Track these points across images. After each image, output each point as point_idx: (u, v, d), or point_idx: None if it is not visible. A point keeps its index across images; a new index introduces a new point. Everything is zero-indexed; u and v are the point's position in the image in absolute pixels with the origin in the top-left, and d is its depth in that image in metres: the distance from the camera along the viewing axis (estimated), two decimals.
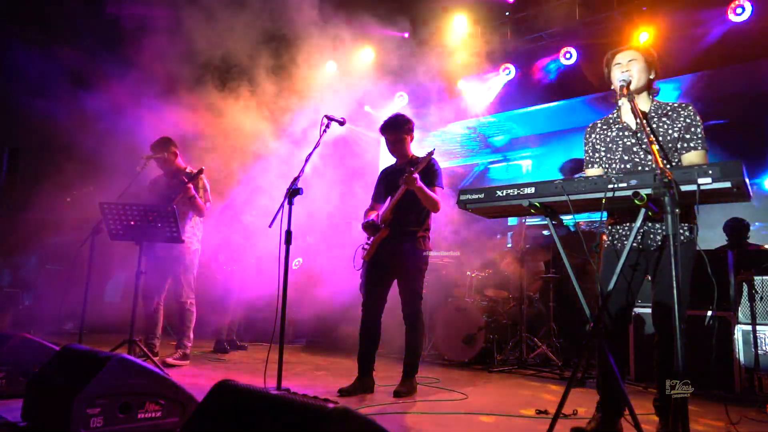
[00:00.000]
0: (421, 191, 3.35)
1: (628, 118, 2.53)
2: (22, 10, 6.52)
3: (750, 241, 5.02)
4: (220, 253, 5.56)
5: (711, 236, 4.99)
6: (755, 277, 3.84)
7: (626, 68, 2.46)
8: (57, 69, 6.29)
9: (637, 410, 2.01)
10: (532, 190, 2.14)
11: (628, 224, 2.46)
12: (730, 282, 3.86)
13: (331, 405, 1.24)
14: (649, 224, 2.38)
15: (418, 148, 3.84)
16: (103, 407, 1.95)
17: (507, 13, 7.34)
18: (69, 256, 4.05)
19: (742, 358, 3.72)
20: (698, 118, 2.40)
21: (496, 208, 2.30)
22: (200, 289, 4.85)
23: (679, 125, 2.39)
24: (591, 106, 6.88)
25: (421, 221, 3.57)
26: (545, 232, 5.97)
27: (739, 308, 3.86)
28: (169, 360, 4.38)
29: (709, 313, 3.80)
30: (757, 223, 5.39)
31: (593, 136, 2.65)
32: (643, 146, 2.42)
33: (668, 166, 2.31)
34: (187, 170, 4.68)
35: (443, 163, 4.69)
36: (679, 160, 2.38)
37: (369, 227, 3.60)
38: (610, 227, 2.55)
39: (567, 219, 2.85)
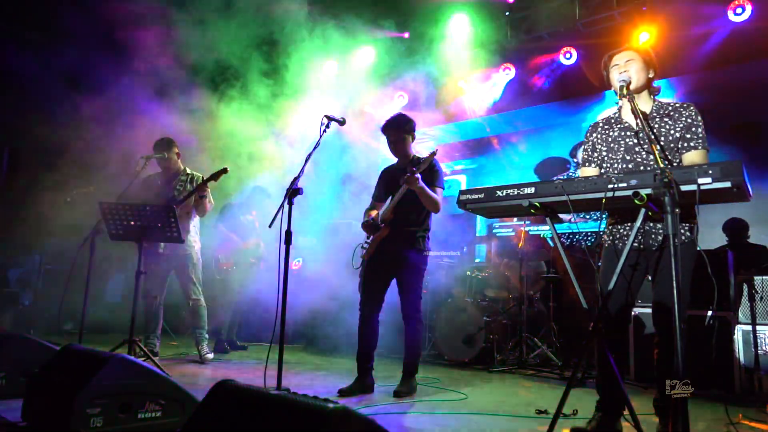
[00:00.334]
0: (423, 191, 3.35)
1: (629, 118, 2.53)
2: (21, 12, 6.52)
3: (750, 240, 5.02)
4: (220, 253, 5.56)
5: (711, 236, 4.99)
6: (755, 277, 3.84)
7: (624, 69, 2.46)
8: (56, 69, 6.29)
9: (637, 410, 2.02)
10: (532, 190, 2.14)
11: (628, 224, 2.46)
12: (730, 282, 3.85)
13: (331, 405, 1.24)
14: (650, 224, 2.38)
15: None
16: (103, 407, 1.95)
17: (507, 13, 7.34)
18: (69, 256, 4.04)
19: (742, 358, 3.72)
20: (699, 118, 2.40)
21: (495, 208, 2.30)
22: None
23: (681, 125, 2.39)
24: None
25: (421, 221, 3.57)
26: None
27: (739, 308, 3.86)
28: (209, 356, 4.66)
29: (709, 313, 3.80)
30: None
31: (594, 135, 2.65)
32: (645, 146, 2.42)
33: (670, 166, 2.31)
34: (187, 171, 4.70)
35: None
36: (681, 160, 2.38)
37: (369, 226, 3.60)
38: (610, 227, 2.55)
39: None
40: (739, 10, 5.71)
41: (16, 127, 6.88)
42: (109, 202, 3.67)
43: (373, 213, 3.64)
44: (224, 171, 4.32)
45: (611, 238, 2.53)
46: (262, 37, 6.05)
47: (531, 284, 5.38)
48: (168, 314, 4.79)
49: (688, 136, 2.37)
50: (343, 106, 7.03)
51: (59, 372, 2.15)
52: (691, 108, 2.43)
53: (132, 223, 3.68)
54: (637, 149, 2.46)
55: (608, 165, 2.56)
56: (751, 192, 1.87)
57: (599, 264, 2.56)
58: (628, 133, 2.50)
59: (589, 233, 6.31)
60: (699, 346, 3.75)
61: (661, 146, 2.39)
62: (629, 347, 4.13)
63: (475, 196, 2.29)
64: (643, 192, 1.87)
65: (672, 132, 2.40)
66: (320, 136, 3.23)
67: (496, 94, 7.77)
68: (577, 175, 2.40)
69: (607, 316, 2.34)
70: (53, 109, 6.19)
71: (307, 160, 3.16)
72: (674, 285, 1.74)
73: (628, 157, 2.48)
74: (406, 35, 7.92)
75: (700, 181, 1.82)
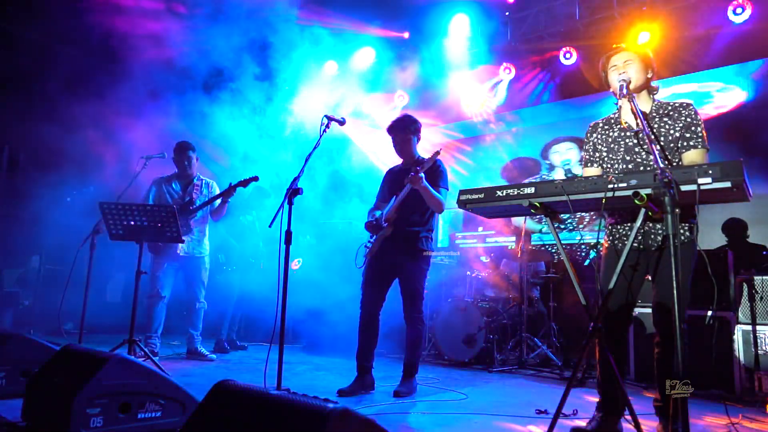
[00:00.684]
0: (426, 191, 3.36)
1: (629, 119, 2.53)
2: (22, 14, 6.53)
3: (750, 240, 5.02)
4: (219, 253, 5.56)
5: (711, 236, 4.99)
6: (755, 277, 3.84)
7: (623, 69, 2.46)
8: (56, 70, 6.30)
9: (637, 410, 2.01)
10: (532, 189, 2.14)
11: (629, 224, 2.46)
12: (730, 282, 3.85)
13: (331, 405, 1.24)
14: (650, 224, 2.37)
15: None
16: (103, 407, 1.95)
17: (507, 13, 7.34)
18: (69, 256, 4.04)
19: (742, 358, 3.72)
20: (699, 117, 2.40)
21: (496, 208, 2.30)
22: None
23: (680, 125, 2.39)
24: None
25: (424, 221, 3.58)
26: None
27: (739, 308, 3.86)
28: (212, 355, 4.76)
29: (709, 313, 3.80)
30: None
31: (594, 135, 2.65)
32: (645, 146, 2.42)
33: (670, 166, 2.31)
34: (200, 176, 4.84)
35: None
36: (680, 160, 2.38)
37: (372, 226, 3.61)
38: (610, 227, 2.55)
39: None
40: (738, 10, 5.70)
41: (15, 128, 6.88)
42: (109, 202, 3.67)
43: (377, 213, 3.65)
44: (255, 179, 4.48)
45: (611, 238, 2.53)
46: (260, 38, 6.05)
47: (530, 285, 5.39)
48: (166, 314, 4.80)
49: (688, 135, 2.37)
50: (343, 106, 7.03)
51: (59, 372, 2.15)
52: (691, 107, 2.43)
53: (132, 223, 3.69)
54: (637, 149, 2.46)
55: (608, 165, 2.56)
56: (751, 192, 1.87)
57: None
58: (628, 134, 2.50)
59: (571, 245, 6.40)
60: (699, 346, 3.74)
61: (660, 146, 2.39)
62: (629, 347, 4.13)
63: (475, 196, 2.29)
64: (643, 192, 1.87)
65: (672, 132, 2.40)
66: (320, 136, 3.23)
67: (495, 94, 7.77)
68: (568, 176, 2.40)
69: (608, 316, 2.34)
70: (53, 110, 6.19)
71: (307, 160, 3.16)
72: (674, 285, 1.74)
73: (628, 158, 2.48)
74: (406, 35, 7.91)
75: (700, 181, 1.82)
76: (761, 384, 3.62)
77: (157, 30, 5.81)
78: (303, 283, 5.59)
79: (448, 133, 8.31)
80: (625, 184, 1.94)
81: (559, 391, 2.08)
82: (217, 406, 1.51)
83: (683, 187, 1.84)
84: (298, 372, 4.27)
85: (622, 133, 2.53)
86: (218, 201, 4.62)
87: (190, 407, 2.13)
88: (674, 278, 1.74)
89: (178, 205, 4.55)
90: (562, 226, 6.58)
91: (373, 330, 3.54)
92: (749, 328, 3.77)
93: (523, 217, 6.91)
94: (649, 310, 2.52)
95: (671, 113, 2.44)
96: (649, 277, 2.44)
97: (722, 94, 5.97)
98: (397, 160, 3.83)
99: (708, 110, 5.92)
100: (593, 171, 2.61)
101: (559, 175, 7.09)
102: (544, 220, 2.11)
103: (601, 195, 1.98)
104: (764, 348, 3.70)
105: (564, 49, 6.97)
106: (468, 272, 5.78)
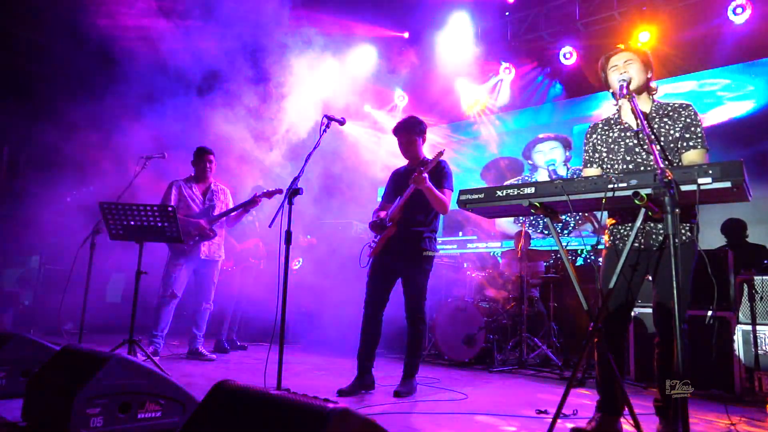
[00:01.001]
0: (430, 191, 3.37)
1: (629, 119, 2.53)
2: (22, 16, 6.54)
3: (750, 240, 5.02)
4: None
5: (711, 236, 4.99)
6: (755, 277, 3.84)
7: (624, 69, 2.46)
8: (56, 72, 6.30)
9: (637, 410, 2.01)
10: (532, 190, 2.14)
11: (629, 224, 2.46)
12: (730, 282, 3.85)
13: (331, 405, 1.24)
14: (651, 224, 2.38)
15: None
16: (103, 407, 1.95)
17: (507, 13, 7.34)
18: (69, 256, 4.05)
19: (742, 358, 3.72)
20: (698, 117, 2.40)
21: (496, 208, 2.30)
22: None
23: (680, 125, 2.39)
24: None
25: (428, 222, 3.58)
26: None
27: (739, 308, 3.86)
28: (213, 356, 4.81)
29: (709, 313, 3.80)
30: None
31: (594, 136, 2.65)
32: (645, 147, 2.42)
33: (670, 166, 2.31)
34: (216, 183, 4.96)
35: None
36: (680, 160, 2.38)
37: (376, 226, 3.62)
38: (611, 227, 2.55)
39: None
40: (738, 10, 5.71)
41: (15, 128, 6.88)
42: (109, 202, 3.67)
43: (382, 213, 3.66)
44: (279, 191, 4.68)
45: (612, 238, 2.53)
46: (259, 38, 6.06)
47: (530, 285, 5.39)
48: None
49: (687, 135, 2.37)
50: (342, 106, 7.03)
51: (59, 372, 2.15)
52: (690, 107, 2.43)
53: (132, 223, 3.69)
54: (637, 150, 2.46)
55: (608, 166, 2.55)
56: (750, 192, 1.87)
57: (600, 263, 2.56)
58: (628, 134, 2.50)
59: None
60: (699, 346, 3.74)
61: (660, 146, 2.39)
62: (629, 347, 4.13)
63: (475, 196, 2.29)
64: (643, 192, 1.87)
65: (671, 132, 2.40)
66: (320, 137, 3.23)
67: (495, 94, 7.77)
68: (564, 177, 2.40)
69: (607, 316, 2.34)
70: (53, 111, 6.19)
71: (307, 161, 3.16)
72: (674, 285, 1.73)
73: (628, 158, 2.48)
74: (406, 35, 7.92)
75: (700, 181, 1.82)
76: (761, 384, 3.62)
77: (156, 30, 5.81)
78: (303, 283, 5.60)
79: (449, 133, 8.32)
80: (625, 184, 1.94)
81: (559, 391, 2.08)
82: (217, 406, 1.51)
83: (683, 187, 1.84)
84: (298, 372, 4.27)
85: (622, 134, 2.53)
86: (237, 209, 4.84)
87: (190, 407, 2.13)
88: (674, 278, 1.74)
89: (201, 210, 4.74)
90: (546, 233, 6.53)
91: (376, 329, 3.54)
92: (749, 328, 3.77)
93: (509, 220, 6.93)
94: (649, 310, 2.52)
95: (671, 114, 2.44)
96: (650, 277, 2.44)
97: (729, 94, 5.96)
98: (402, 161, 3.84)
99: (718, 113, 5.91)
100: (593, 171, 2.61)
101: (542, 176, 7.01)
102: (540, 226, 2.11)
103: (601, 195, 1.98)
104: (764, 348, 3.70)
105: (564, 49, 6.97)
106: (468, 272, 5.78)
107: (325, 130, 3.26)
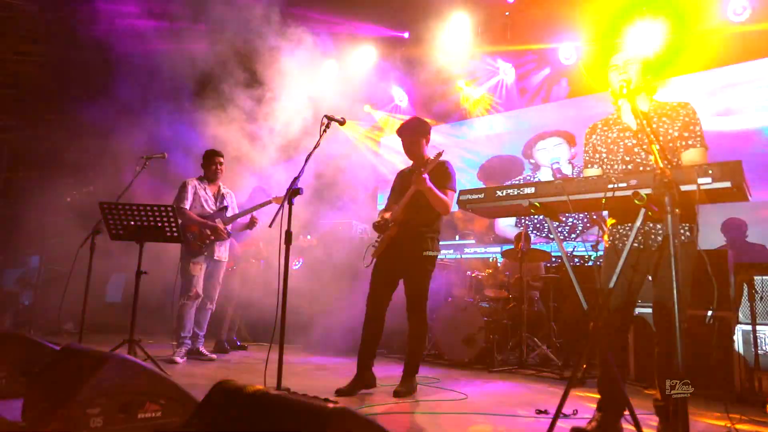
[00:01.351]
0: (430, 192, 3.37)
1: (628, 119, 2.53)
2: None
3: (749, 240, 5.02)
4: None
5: (711, 236, 4.99)
6: (755, 277, 3.84)
7: (624, 70, 2.47)
8: (56, 74, 6.30)
9: (637, 410, 2.01)
10: (532, 189, 2.14)
11: (629, 224, 2.46)
12: (730, 282, 3.85)
13: (331, 405, 1.24)
14: (650, 224, 2.38)
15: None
16: (103, 407, 1.94)
17: (507, 13, 7.34)
18: (69, 256, 4.05)
19: (742, 358, 3.72)
20: (697, 116, 2.40)
21: (496, 208, 2.30)
22: None
23: (679, 124, 2.39)
24: None
25: (430, 222, 3.58)
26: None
27: (739, 308, 3.85)
28: (213, 356, 4.87)
29: (709, 313, 3.80)
30: None
31: (594, 137, 2.65)
32: (644, 147, 2.42)
33: (669, 166, 2.31)
34: (223, 185, 5.04)
35: None
36: (680, 160, 2.38)
37: (379, 226, 3.63)
38: (611, 227, 2.55)
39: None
40: (738, 10, 5.71)
41: (15, 128, 6.89)
42: (109, 202, 3.67)
43: (386, 214, 3.67)
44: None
45: (612, 238, 2.53)
46: (258, 39, 6.06)
47: (530, 286, 5.39)
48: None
49: (686, 134, 2.37)
50: (342, 105, 7.03)
51: (59, 372, 2.15)
52: (689, 106, 2.43)
53: (132, 223, 3.69)
54: (636, 150, 2.46)
55: (608, 166, 2.56)
56: (750, 192, 1.87)
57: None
58: (627, 134, 2.50)
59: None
60: (699, 346, 3.74)
61: (660, 146, 2.38)
62: (629, 347, 4.12)
63: (475, 196, 2.29)
64: (643, 192, 1.87)
65: (670, 131, 2.40)
66: (320, 137, 3.23)
67: (495, 94, 7.77)
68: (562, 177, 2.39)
69: (608, 316, 2.34)
70: (53, 111, 6.20)
71: (307, 161, 3.16)
72: (674, 285, 1.73)
73: (627, 158, 2.48)
74: (406, 35, 7.92)
75: (700, 181, 1.82)
76: (761, 384, 3.62)
77: (156, 31, 5.81)
78: (303, 283, 5.60)
79: (449, 133, 8.32)
80: (625, 184, 1.94)
81: (559, 391, 2.08)
82: (216, 406, 1.51)
83: (683, 187, 1.84)
84: (298, 372, 4.27)
85: (621, 134, 2.53)
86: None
87: (190, 407, 2.12)
88: (674, 278, 1.74)
89: (214, 212, 4.80)
90: (552, 236, 6.48)
91: (378, 328, 3.54)
92: (749, 328, 3.77)
93: (507, 224, 6.89)
94: (649, 310, 2.52)
95: (669, 113, 2.44)
96: (650, 277, 2.44)
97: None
98: (407, 162, 3.85)
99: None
100: (593, 172, 2.61)
101: (545, 175, 6.79)
102: (546, 230, 2.11)
103: (601, 195, 1.98)
104: (764, 348, 3.70)
105: (564, 49, 6.97)
106: (468, 272, 5.78)
107: (325, 130, 3.26)
